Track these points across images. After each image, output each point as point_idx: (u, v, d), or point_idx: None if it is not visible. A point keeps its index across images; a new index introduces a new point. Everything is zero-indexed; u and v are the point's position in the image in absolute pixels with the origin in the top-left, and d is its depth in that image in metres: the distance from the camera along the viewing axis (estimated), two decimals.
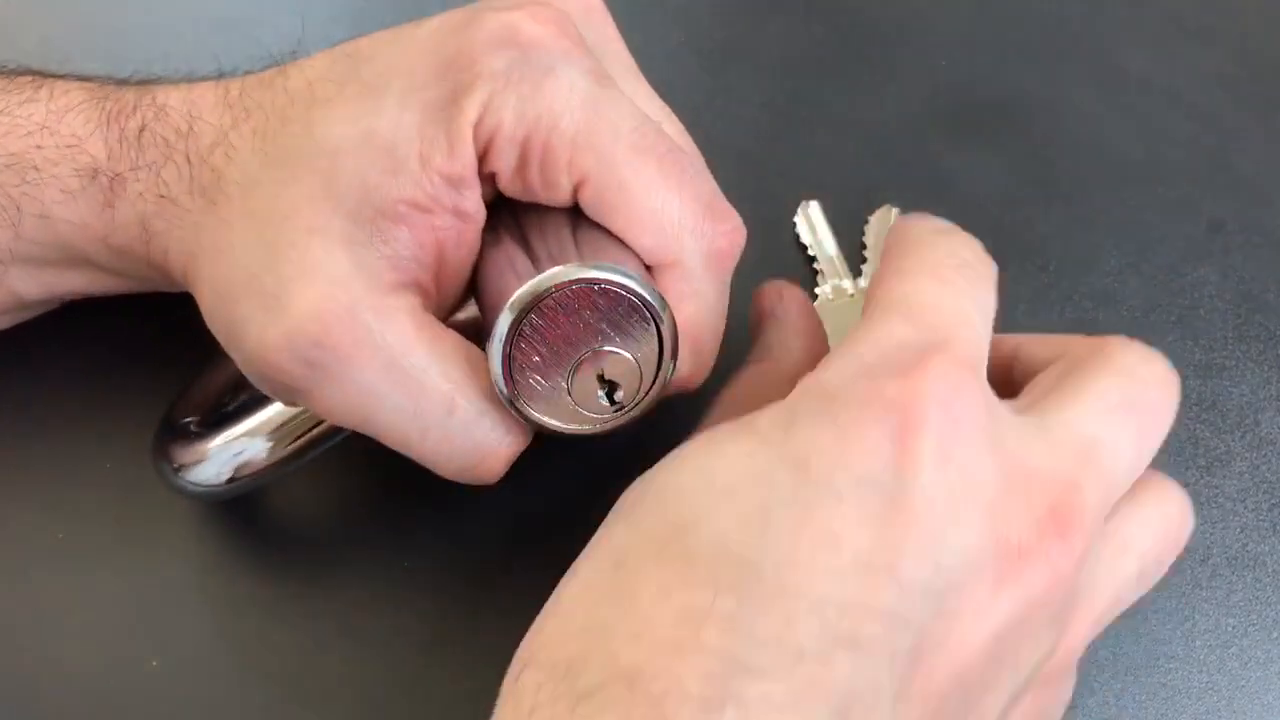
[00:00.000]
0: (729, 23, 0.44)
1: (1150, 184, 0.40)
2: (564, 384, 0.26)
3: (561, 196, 0.27)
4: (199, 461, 0.29)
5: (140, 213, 0.28)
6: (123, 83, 0.31)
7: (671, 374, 0.26)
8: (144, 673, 0.30)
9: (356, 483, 0.33)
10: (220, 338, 0.27)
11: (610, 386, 0.26)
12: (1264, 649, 0.30)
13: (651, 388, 0.26)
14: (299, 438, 0.29)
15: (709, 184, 0.28)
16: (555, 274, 0.24)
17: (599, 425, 0.27)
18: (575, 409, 0.26)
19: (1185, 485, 0.33)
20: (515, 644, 0.21)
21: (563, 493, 0.32)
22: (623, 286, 0.25)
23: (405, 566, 0.31)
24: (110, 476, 0.32)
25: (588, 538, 0.22)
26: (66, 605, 0.31)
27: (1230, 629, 0.30)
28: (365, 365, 0.25)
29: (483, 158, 0.26)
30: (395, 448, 0.27)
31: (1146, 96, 0.42)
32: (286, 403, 0.29)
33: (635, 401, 0.26)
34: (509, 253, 0.27)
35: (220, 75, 0.30)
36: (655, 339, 0.26)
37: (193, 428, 0.30)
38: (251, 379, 0.27)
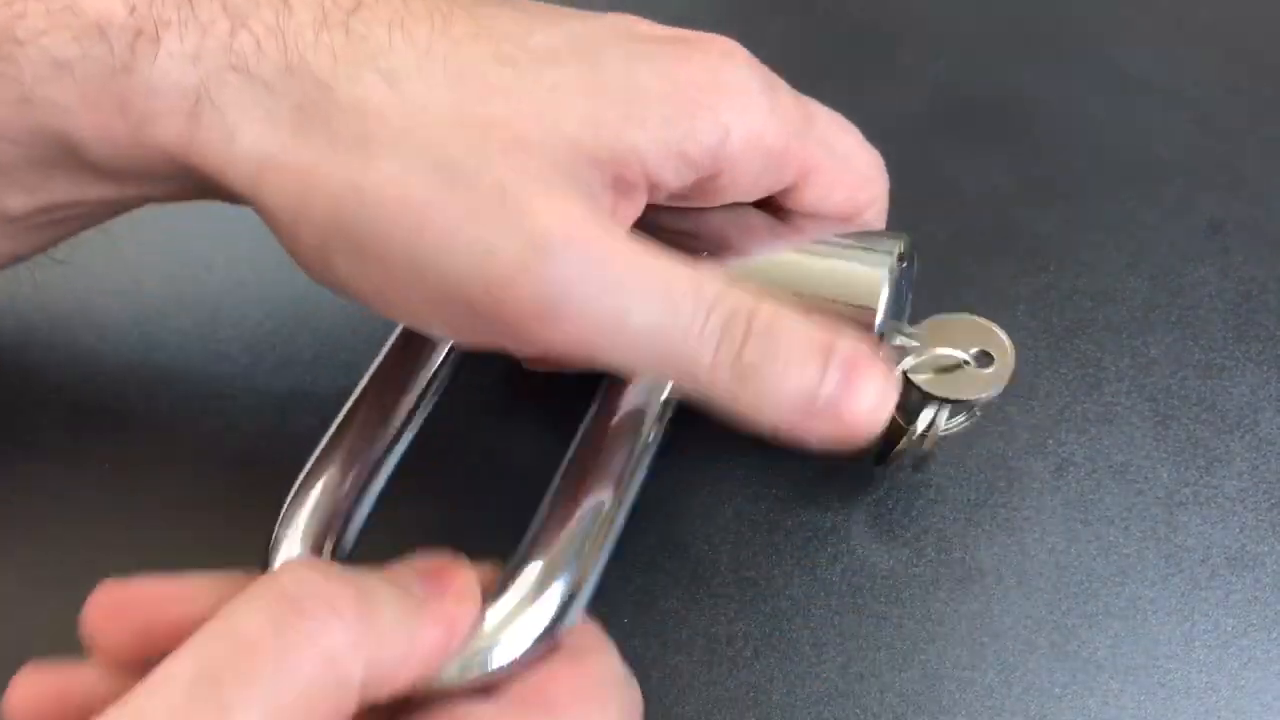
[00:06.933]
0: (729, 23, 0.44)
1: (1150, 184, 0.40)
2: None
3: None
4: None
5: (186, 84, 0.22)
6: None
7: None
8: None
9: None
10: (399, 272, 0.23)
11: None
12: (1264, 649, 0.30)
13: None
14: None
15: None
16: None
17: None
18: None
19: (1185, 485, 0.33)
20: None
21: None
22: None
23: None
24: (110, 476, 0.33)
25: None
26: (65, 605, 0.31)
27: (1230, 629, 0.30)
28: (612, 265, 0.23)
29: (717, 172, 0.26)
30: (640, 365, 0.24)
31: (1146, 96, 0.42)
32: (510, 346, 0.24)
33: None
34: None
35: None
36: None
37: None
38: (461, 327, 0.24)
